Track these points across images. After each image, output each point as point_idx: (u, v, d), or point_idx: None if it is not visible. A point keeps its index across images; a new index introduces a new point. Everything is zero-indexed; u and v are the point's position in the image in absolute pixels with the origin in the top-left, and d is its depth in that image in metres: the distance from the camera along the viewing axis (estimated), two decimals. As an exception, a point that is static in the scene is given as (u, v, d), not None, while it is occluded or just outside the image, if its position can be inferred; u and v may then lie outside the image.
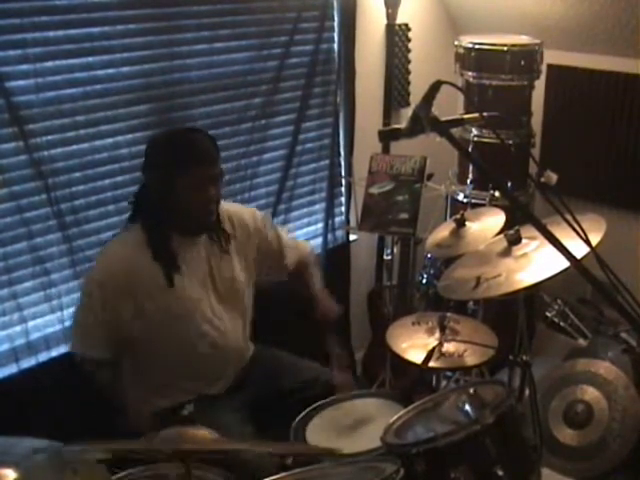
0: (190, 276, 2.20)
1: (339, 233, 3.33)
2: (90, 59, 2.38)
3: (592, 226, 1.92)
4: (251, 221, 2.41)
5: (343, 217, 3.35)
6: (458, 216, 2.61)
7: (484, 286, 2.00)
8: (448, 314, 2.38)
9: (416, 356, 2.22)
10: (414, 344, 2.30)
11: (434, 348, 2.20)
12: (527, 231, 2.08)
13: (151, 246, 2.14)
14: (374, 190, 3.01)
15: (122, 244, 2.19)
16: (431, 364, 2.17)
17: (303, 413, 2.08)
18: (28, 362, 2.39)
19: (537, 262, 1.99)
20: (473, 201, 3.13)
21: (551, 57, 3.30)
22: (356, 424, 2.06)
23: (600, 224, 2.02)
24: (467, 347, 2.26)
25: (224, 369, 2.31)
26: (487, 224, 2.54)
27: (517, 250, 2.10)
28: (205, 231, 2.25)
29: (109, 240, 2.29)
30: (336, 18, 3.10)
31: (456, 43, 3.25)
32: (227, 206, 2.37)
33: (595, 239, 1.87)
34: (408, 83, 3.49)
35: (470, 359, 2.23)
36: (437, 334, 2.30)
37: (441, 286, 2.28)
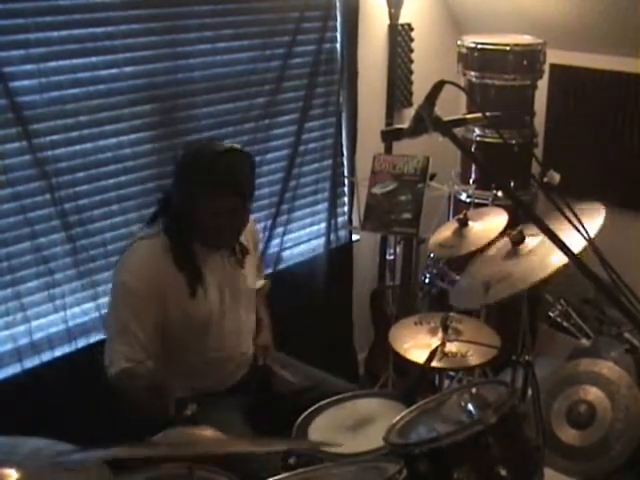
0: (209, 286, 2.18)
1: (342, 233, 3.33)
2: (93, 59, 2.39)
3: (591, 215, 2.00)
4: (254, 230, 2.44)
5: (346, 217, 3.35)
6: (461, 216, 2.62)
7: (496, 288, 2.02)
8: (451, 314, 2.37)
9: (419, 356, 2.21)
10: (417, 344, 2.29)
11: (436, 348, 2.20)
12: (530, 229, 2.08)
13: (174, 255, 2.10)
14: (377, 190, 3.01)
15: (149, 248, 2.11)
16: (433, 364, 2.16)
17: (305, 413, 2.07)
18: (31, 362, 2.39)
19: (544, 255, 2.01)
20: (476, 201, 3.12)
21: (554, 57, 3.29)
22: (359, 424, 2.06)
23: (599, 212, 2.05)
24: (470, 347, 2.25)
25: (236, 373, 2.32)
26: (490, 224, 2.55)
27: (522, 248, 2.11)
28: (223, 249, 2.24)
29: (135, 239, 2.16)
30: (339, 18, 3.10)
31: (459, 43, 3.25)
32: None
33: (593, 228, 1.93)
34: (411, 83, 3.49)
35: (473, 359, 2.23)
36: (440, 334, 2.29)
37: (452, 297, 2.29)
